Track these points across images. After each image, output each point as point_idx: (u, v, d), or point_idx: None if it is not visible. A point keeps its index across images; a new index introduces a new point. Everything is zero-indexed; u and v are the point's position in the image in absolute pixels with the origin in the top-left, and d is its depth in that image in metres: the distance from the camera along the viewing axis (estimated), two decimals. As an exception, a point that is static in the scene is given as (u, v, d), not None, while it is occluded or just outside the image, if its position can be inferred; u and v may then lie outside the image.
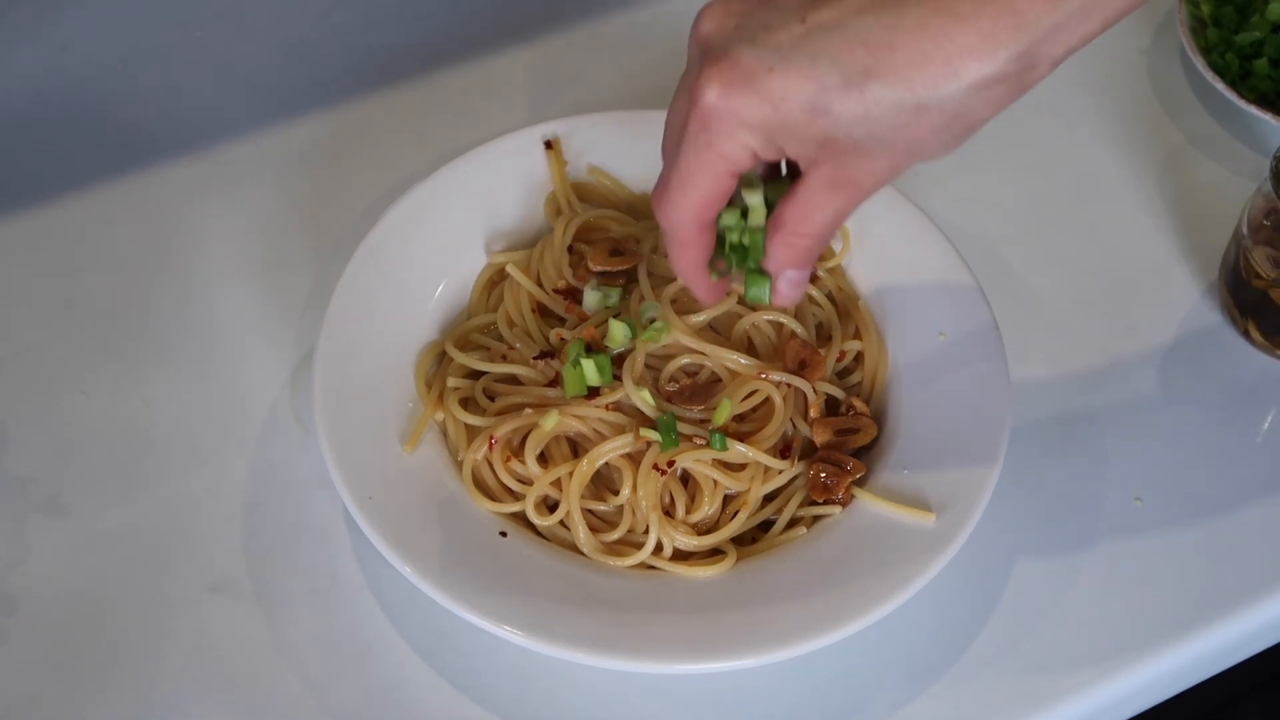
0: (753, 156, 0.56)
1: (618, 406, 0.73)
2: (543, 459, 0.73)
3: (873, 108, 0.53)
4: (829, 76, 0.53)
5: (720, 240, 0.62)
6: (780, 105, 0.54)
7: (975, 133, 0.56)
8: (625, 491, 0.71)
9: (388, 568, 0.69)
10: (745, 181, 0.60)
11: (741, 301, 0.76)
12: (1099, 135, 0.92)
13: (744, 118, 0.55)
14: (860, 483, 0.73)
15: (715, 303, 0.65)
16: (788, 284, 0.62)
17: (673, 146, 0.58)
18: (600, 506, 0.72)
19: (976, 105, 0.54)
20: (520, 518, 0.72)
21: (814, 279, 0.79)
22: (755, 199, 0.60)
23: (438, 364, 0.77)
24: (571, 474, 0.71)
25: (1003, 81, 0.53)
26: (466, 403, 0.75)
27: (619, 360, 0.74)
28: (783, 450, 0.74)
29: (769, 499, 0.74)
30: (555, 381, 0.74)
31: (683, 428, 0.72)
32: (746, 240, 0.61)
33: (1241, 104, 0.88)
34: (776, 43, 0.54)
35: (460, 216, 0.80)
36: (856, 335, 0.78)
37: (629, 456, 0.72)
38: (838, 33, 0.53)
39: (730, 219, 0.61)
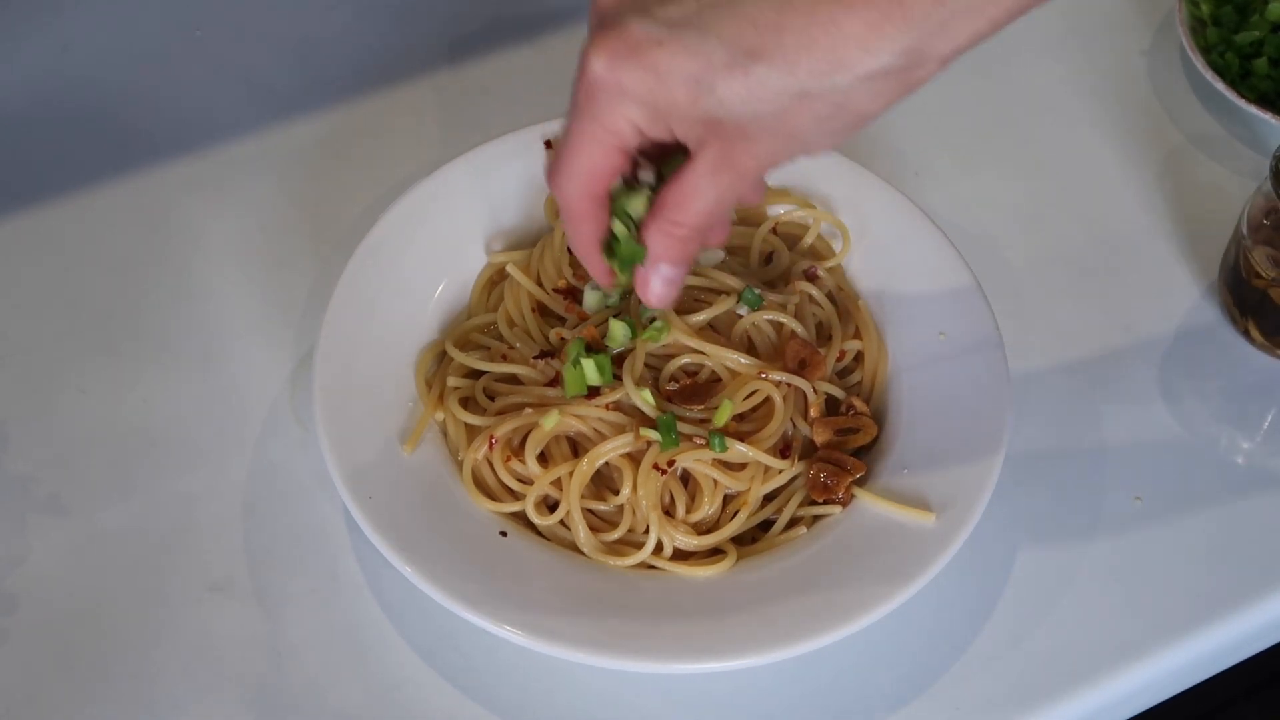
0: (638, 132, 0.56)
1: (618, 406, 0.73)
2: (543, 459, 0.73)
3: (756, 89, 0.53)
4: (715, 54, 0.53)
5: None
6: (665, 79, 0.53)
7: (861, 128, 0.56)
8: (625, 491, 0.71)
9: (388, 567, 0.69)
10: (615, 194, 0.60)
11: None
12: (1099, 135, 0.92)
13: (628, 90, 0.54)
14: (860, 482, 0.73)
15: (610, 285, 0.64)
16: (661, 280, 0.61)
17: (568, 115, 0.57)
18: (600, 506, 0.72)
19: (861, 98, 0.54)
20: (520, 517, 0.72)
21: (814, 278, 0.79)
22: (635, 203, 0.60)
23: (438, 363, 0.77)
24: (571, 474, 0.71)
25: (888, 76, 0.53)
26: (466, 402, 0.75)
27: (619, 360, 0.74)
28: (783, 450, 0.74)
29: (769, 499, 0.74)
30: (555, 381, 0.74)
31: (683, 427, 0.72)
32: (623, 236, 0.61)
33: (1241, 104, 0.88)
34: (669, 16, 0.54)
35: (460, 216, 0.80)
36: (856, 335, 0.78)
37: (629, 456, 0.72)
38: (729, 10, 0.53)
39: (620, 218, 0.60)
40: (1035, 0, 0.55)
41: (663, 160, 0.60)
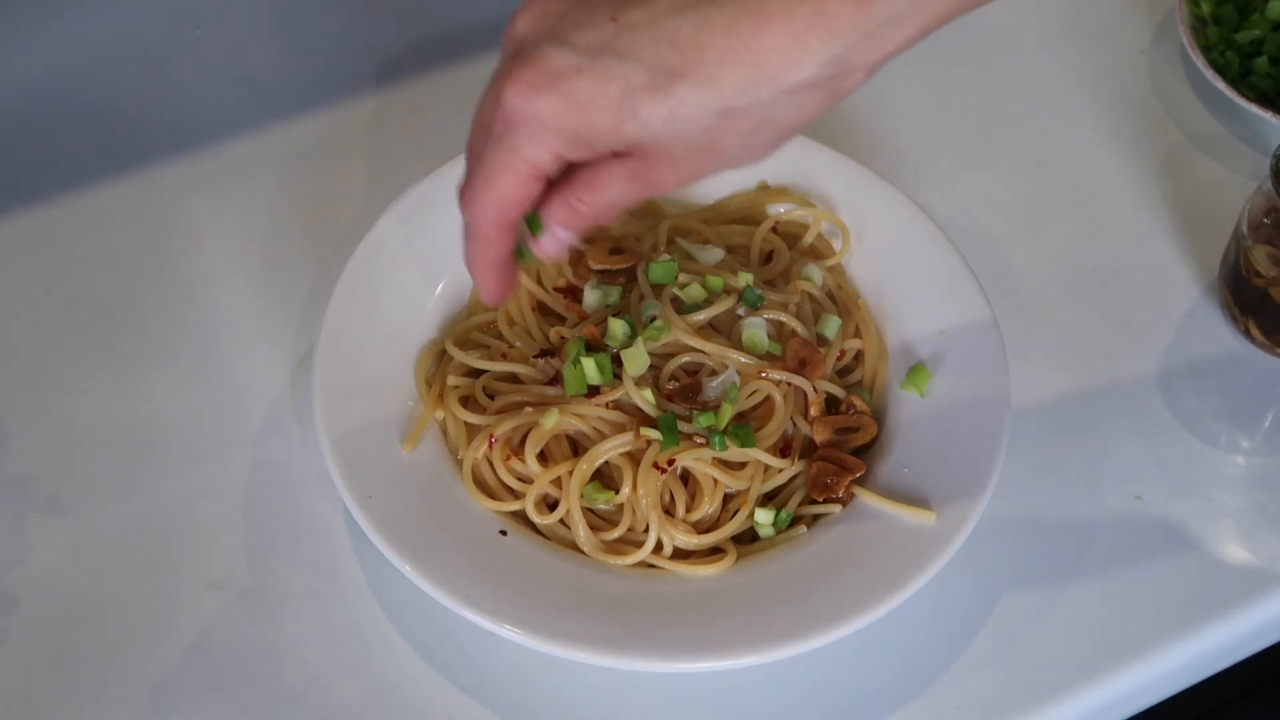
0: (556, 159, 0.55)
1: (618, 405, 0.73)
2: (543, 457, 0.73)
3: (679, 109, 0.52)
4: (635, 76, 0.52)
5: None
6: (585, 108, 0.53)
7: (788, 140, 0.55)
8: (625, 490, 0.71)
9: (388, 566, 0.69)
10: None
11: None
12: (1099, 134, 0.92)
13: (548, 121, 0.53)
14: (860, 481, 0.73)
15: (494, 303, 0.63)
16: (553, 240, 0.58)
17: (478, 145, 0.56)
18: (600, 505, 0.72)
19: (787, 110, 0.53)
20: (520, 516, 0.72)
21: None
22: None
23: (438, 362, 0.77)
24: (571, 472, 0.71)
25: (813, 87, 0.53)
26: (466, 401, 0.75)
27: (619, 359, 0.74)
28: (783, 449, 0.74)
29: (769, 497, 0.74)
30: (555, 380, 0.74)
31: (682, 426, 0.72)
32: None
33: (1242, 102, 0.88)
34: (586, 43, 0.53)
35: (460, 215, 0.80)
36: (857, 334, 0.78)
37: (629, 455, 0.72)
38: (646, 31, 0.52)
39: None
40: (967, 6, 0.54)
41: None
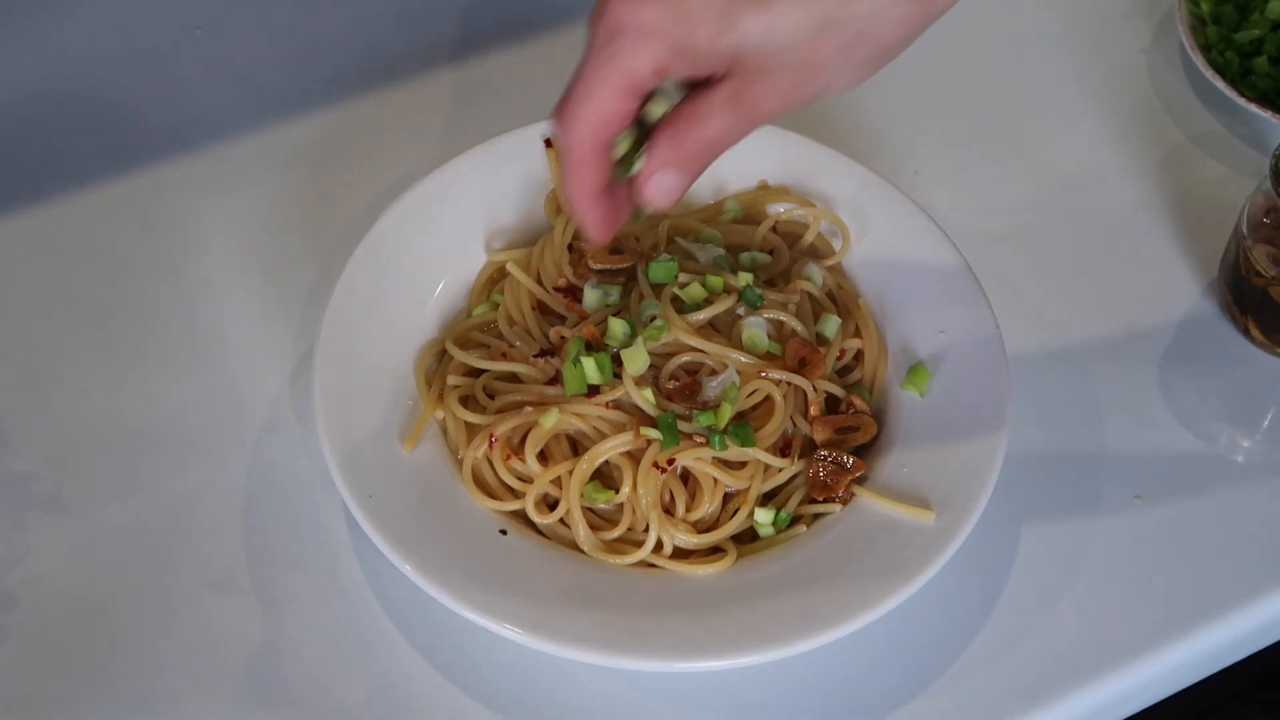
0: (656, 71, 0.55)
1: (618, 404, 0.73)
2: (543, 457, 0.73)
3: (779, 20, 0.53)
4: None
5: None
6: (687, 16, 0.53)
7: (885, 62, 0.56)
8: (625, 489, 0.71)
9: (388, 566, 0.69)
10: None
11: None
12: (1099, 134, 0.92)
13: (651, 28, 0.54)
14: (860, 481, 0.73)
15: (602, 240, 0.62)
16: (657, 186, 0.58)
17: (584, 54, 0.56)
18: (600, 505, 0.72)
19: (883, 26, 0.54)
20: (520, 516, 0.72)
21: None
22: (655, 108, 0.58)
23: (438, 362, 0.77)
24: (571, 472, 0.71)
25: (909, 1, 0.54)
26: (466, 401, 0.75)
27: (619, 359, 0.74)
28: (783, 448, 0.74)
29: (769, 497, 0.74)
30: (555, 379, 0.74)
31: (682, 426, 0.72)
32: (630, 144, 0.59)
33: (1241, 102, 0.88)
34: None
35: (460, 215, 0.80)
36: (856, 333, 0.78)
37: (629, 454, 0.72)
38: None
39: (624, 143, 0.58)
40: None
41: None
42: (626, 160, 0.59)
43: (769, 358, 0.75)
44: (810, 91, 0.56)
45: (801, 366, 0.75)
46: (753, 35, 0.54)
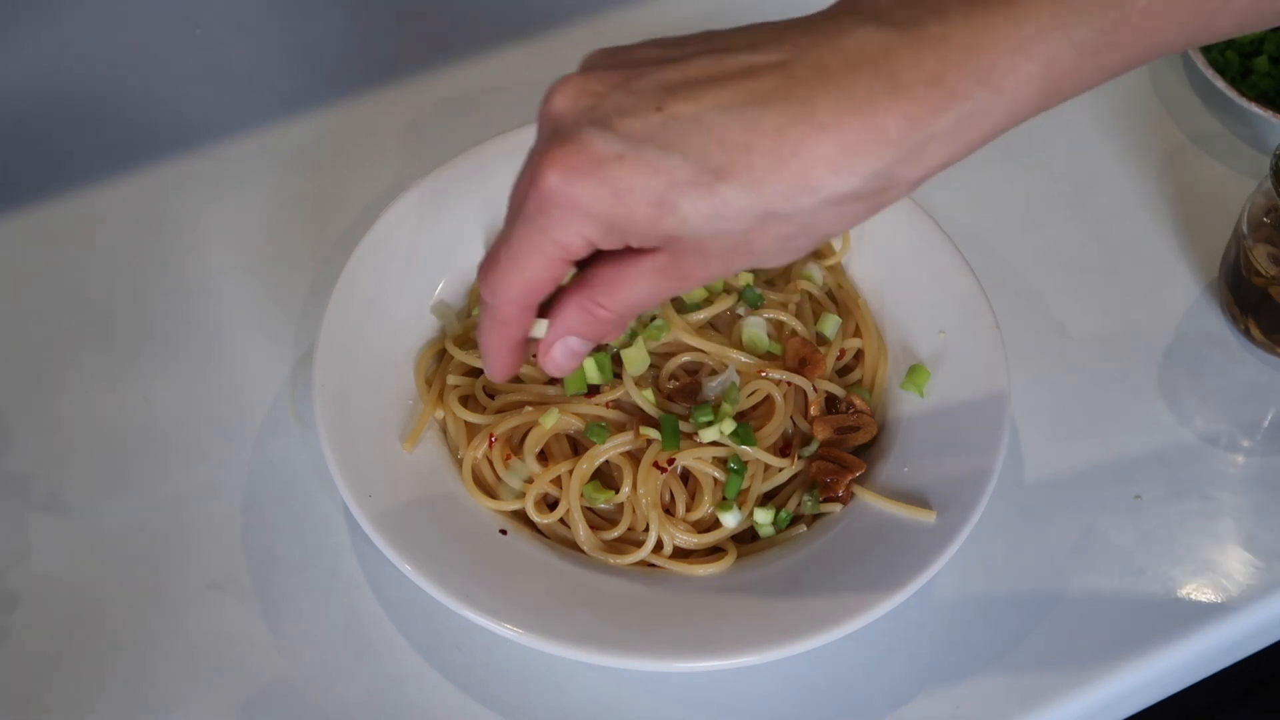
0: (588, 245, 0.53)
1: (618, 404, 0.73)
2: (543, 457, 0.73)
3: (721, 209, 0.51)
4: (680, 171, 0.50)
5: None
6: (625, 197, 0.51)
7: (820, 244, 0.55)
8: (625, 489, 0.71)
9: (388, 565, 0.69)
10: None
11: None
12: (1099, 134, 0.92)
13: (584, 206, 0.51)
14: (860, 480, 0.73)
15: (501, 380, 0.60)
16: (566, 350, 0.57)
17: (511, 220, 0.54)
18: (600, 504, 0.72)
19: (827, 219, 0.52)
20: (520, 515, 0.72)
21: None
22: None
23: (438, 362, 0.77)
24: (571, 471, 0.71)
25: (858, 199, 0.51)
26: (466, 400, 0.75)
27: (619, 358, 0.74)
28: (783, 448, 0.74)
29: (769, 497, 0.74)
30: (555, 379, 0.74)
31: (682, 425, 0.72)
32: None
33: (1242, 102, 0.88)
34: (630, 130, 0.51)
35: (460, 215, 0.80)
36: (856, 333, 0.78)
37: (629, 454, 0.72)
38: (694, 127, 0.50)
39: None
40: (1015, 121, 0.53)
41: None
42: None
43: (769, 357, 0.75)
44: (738, 268, 0.54)
45: (801, 366, 0.75)
46: (693, 221, 0.51)
